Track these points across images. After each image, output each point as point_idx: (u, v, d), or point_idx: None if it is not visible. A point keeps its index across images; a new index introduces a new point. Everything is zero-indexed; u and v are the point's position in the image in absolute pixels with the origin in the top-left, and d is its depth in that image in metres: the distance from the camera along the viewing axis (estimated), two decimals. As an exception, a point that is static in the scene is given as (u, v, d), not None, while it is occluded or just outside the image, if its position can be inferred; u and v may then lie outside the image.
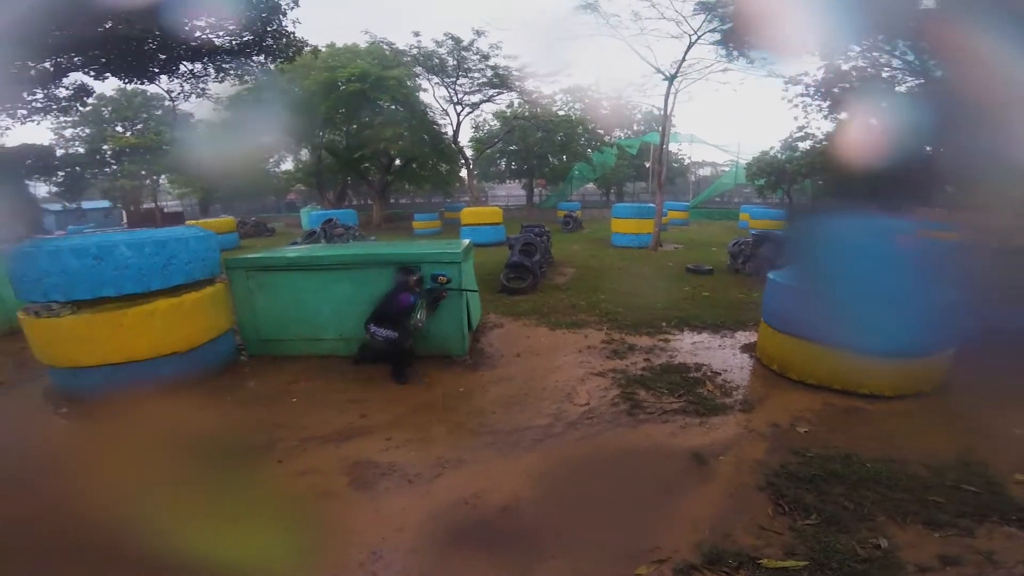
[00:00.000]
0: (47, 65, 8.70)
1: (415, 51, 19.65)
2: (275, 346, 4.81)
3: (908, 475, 2.77)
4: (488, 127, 28.02)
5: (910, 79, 15.20)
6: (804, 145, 19.25)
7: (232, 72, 11.19)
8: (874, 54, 13.48)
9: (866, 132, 18.00)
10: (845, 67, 14.67)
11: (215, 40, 10.04)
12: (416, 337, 4.35)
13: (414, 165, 22.99)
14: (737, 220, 20.72)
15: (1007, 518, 2.43)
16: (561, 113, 24.67)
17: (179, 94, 11.97)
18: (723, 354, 4.81)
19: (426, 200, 34.80)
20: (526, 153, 27.22)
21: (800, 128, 20.12)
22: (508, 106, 25.14)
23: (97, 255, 3.77)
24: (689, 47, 11.02)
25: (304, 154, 25.44)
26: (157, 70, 10.54)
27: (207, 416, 3.71)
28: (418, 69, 20.16)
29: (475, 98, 22.21)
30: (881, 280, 3.61)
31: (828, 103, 18.30)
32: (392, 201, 31.81)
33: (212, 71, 11.12)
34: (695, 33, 10.97)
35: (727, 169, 29.64)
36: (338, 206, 23.35)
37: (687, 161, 31.78)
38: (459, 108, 22.16)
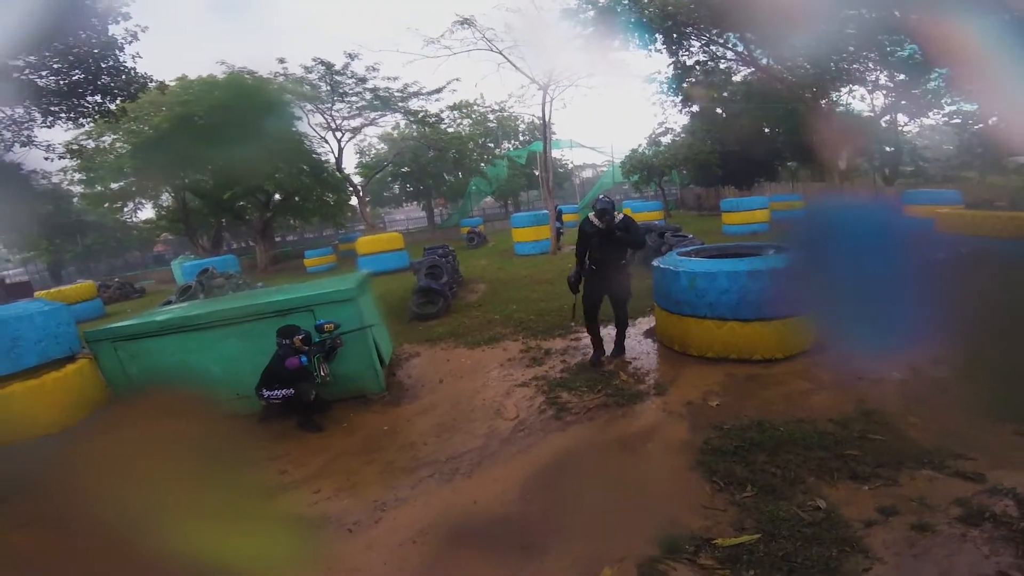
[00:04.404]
0: None
1: (281, 79, 18.55)
2: (164, 417, 4.25)
3: (819, 432, 2.87)
4: (375, 151, 27.35)
5: (743, 68, 17.18)
6: (666, 139, 21.22)
7: (63, 115, 9.75)
8: (711, 48, 14.90)
9: (714, 121, 20.32)
10: (689, 63, 16.13)
11: (37, 81, 8.71)
12: (323, 384, 4.08)
13: (296, 199, 21.63)
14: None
15: (920, 461, 2.51)
16: (451, 130, 24.78)
17: None
18: (629, 343, 5.11)
19: (317, 234, 32.87)
20: (420, 174, 26.93)
21: (660, 124, 22.32)
22: (394, 128, 24.73)
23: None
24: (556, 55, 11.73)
25: (165, 199, 22.79)
26: None
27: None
28: (288, 97, 19.04)
29: (355, 123, 21.55)
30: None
31: (680, 98, 20.46)
32: (278, 239, 29.58)
33: (37, 115, 9.62)
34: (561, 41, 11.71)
35: (605, 169, 31.81)
36: (215, 253, 21.20)
37: (570, 166, 33.59)
38: (339, 134, 21.35)
